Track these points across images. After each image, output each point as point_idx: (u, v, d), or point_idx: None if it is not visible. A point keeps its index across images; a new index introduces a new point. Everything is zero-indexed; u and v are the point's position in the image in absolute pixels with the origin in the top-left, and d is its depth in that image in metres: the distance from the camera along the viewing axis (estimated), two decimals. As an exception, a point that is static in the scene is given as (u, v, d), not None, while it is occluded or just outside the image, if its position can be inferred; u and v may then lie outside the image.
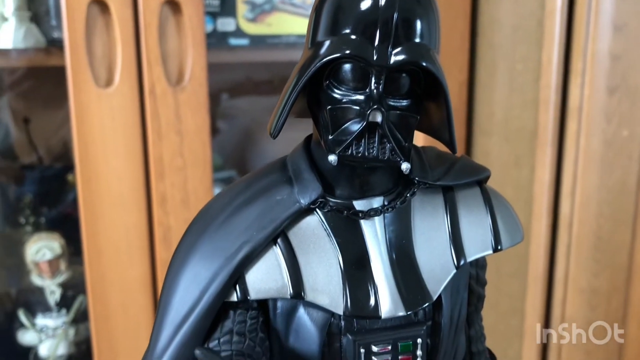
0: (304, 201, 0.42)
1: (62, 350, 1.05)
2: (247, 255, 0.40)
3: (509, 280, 1.11)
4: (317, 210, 0.42)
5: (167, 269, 0.43)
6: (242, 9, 1.04)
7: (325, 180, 0.43)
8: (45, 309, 1.07)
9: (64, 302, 1.08)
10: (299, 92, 0.39)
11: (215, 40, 1.02)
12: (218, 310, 0.40)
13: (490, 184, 0.51)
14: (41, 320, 1.06)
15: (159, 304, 0.43)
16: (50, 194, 1.24)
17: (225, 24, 1.03)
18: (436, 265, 0.43)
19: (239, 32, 1.04)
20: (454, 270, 0.43)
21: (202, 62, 0.94)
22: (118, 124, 0.91)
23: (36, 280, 1.08)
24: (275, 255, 0.41)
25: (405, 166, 0.40)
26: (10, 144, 1.25)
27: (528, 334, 1.09)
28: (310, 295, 0.40)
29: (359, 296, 0.41)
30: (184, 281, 0.41)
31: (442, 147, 0.47)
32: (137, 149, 0.92)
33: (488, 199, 0.46)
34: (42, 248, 1.06)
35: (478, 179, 0.47)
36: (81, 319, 1.08)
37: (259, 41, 1.05)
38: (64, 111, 1.02)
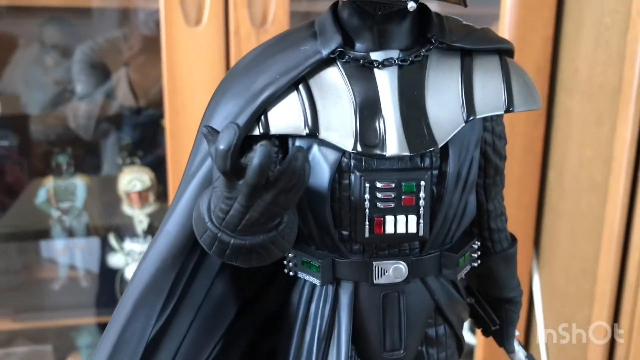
0: (325, 51, 0.45)
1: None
2: (270, 95, 0.44)
3: (582, 242, 1.09)
4: (338, 62, 0.45)
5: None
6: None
7: (348, 36, 0.46)
8: (133, 235, 1.16)
9: (151, 231, 1.17)
10: None
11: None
12: (242, 147, 0.42)
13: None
14: (129, 245, 1.15)
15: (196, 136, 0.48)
16: (146, 138, 1.33)
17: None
18: (445, 117, 0.45)
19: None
20: (463, 124, 0.45)
21: (285, 7, 0.98)
22: (204, 61, 0.97)
23: (126, 209, 1.17)
24: (296, 98, 0.44)
25: (411, 5, 0.41)
26: (111, 88, 1.35)
27: (599, 298, 1.07)
28: (323, 134, 0.44)
29: (367, 136, 0.44)
30: (216, 117, 0.46)
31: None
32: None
33: (505, 67, 0.48)
34: (133, 179, 1.15)
35: (497, 47, 0.48)
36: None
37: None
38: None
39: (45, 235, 1.22)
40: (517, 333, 0.57)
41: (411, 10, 0.42)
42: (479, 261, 0.52)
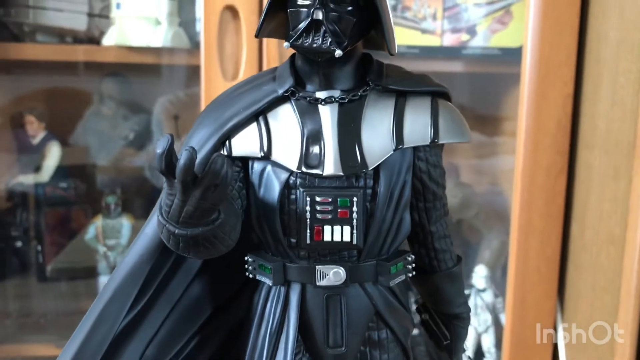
0: (280, 90, 0.54)
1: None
2: (234, 124, 0.54)
3: (603, 295, 1.09)
4: (291, 99, 0.54)
5: None
6: (356, 20, 1.16)
7: (300, 79, 0.55)
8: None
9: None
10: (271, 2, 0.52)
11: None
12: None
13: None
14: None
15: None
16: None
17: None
18: (377, 146, 0.53)
19: (352, 41, 1.16)
20: (392, 152, 0.53)
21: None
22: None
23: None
24: (255, 128, 0.54)
25: (337, 53, 0.50)
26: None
27: (619, 353, 1.07)
28: (275, 156, 0.53)
29: (310, 159, 0.53)
30: (192, 142, 0.55)
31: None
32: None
33: (435, 106, 0.55)
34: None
35: (430, 90, 0.56)
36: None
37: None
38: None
39: (93, 272, 1.32)
40: (466, 349, 0.61)
41: (337, 57, 0.51)
42: (414, 272, 0.58)
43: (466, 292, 1.25)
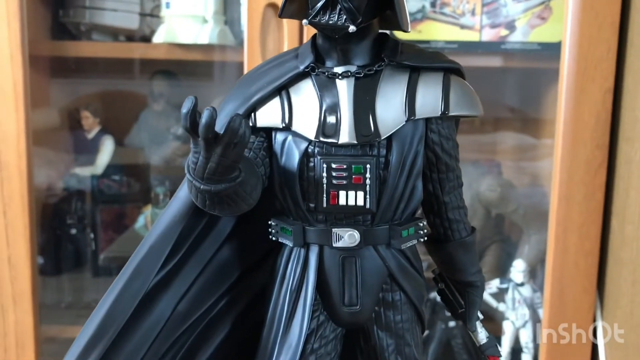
0: (301, 66, 0.58)
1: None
2: (259, 98, 0.58)
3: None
4: (311, 74, 0.58)
5: None
6: (396, 17, 1.19)
7: (320, 56, 0.59)
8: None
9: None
10: None
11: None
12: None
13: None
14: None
15: None
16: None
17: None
18: (389, 117, 0.57)
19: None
20: (404, 122, 0.57)
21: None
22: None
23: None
24: (278, 101, 0.59)
25: (351, 28, 0.54)
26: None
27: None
28: (295, 127, 0.58)
29: (326, 129, 0.57)
30: (221, 115, 0.59)
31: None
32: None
33: (447, 81, 0.58)
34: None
35: (443, 66, 0.59)
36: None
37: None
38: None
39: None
40: (480, 317, 0.64)
41: (351, 32, 0.54)
42: (425, 237, 0.61)
43: (504, 286, 1.27)
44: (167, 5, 1.22)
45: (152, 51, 1.29)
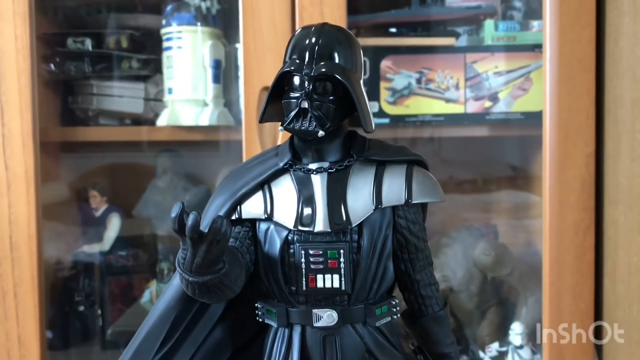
0: (281, 163, 0.65)
1: None
2: (243, 193, 0.65)
3: (638, 350, 1.10)
4: (290, 171, 0.65)
5: None
6: (384, 94, 1.26)
7: (297, 153, 0.66)
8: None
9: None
10: (271, 92, 0.64)
11: (361, 118, 1.24)
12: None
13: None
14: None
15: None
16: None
17: (370, 107, 1.25)
18: (359, 206, 0.63)
19: (381, 113, 1.26)
20: (372, 211, 0.63)
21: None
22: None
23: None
24: (261, 195, 0.65)
25: (320, 133, 0.61)
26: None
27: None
28: (276, 217, 0.64)
29: (304, 219, 0.63)
30: (210, 209, 0.66)
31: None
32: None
33: (409, 172, 0.65)
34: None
35: (405, 158, 0.66)
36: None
37: (398, 120, 1.26)
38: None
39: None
40: None
41: (320, 137, 0.62)
42: (398, 315, 0.66)
43: (503, 349, 1.29)
44: (170, 90, 1.29)
45: (156, 133, 1.36)
